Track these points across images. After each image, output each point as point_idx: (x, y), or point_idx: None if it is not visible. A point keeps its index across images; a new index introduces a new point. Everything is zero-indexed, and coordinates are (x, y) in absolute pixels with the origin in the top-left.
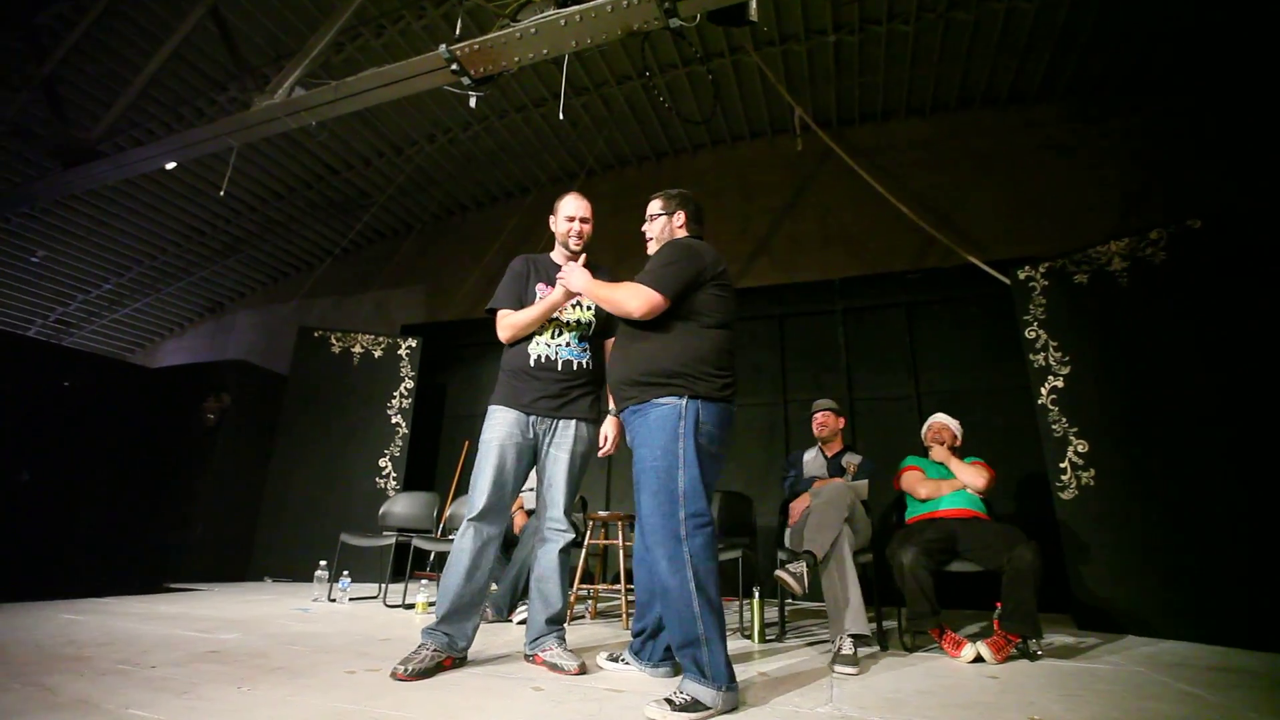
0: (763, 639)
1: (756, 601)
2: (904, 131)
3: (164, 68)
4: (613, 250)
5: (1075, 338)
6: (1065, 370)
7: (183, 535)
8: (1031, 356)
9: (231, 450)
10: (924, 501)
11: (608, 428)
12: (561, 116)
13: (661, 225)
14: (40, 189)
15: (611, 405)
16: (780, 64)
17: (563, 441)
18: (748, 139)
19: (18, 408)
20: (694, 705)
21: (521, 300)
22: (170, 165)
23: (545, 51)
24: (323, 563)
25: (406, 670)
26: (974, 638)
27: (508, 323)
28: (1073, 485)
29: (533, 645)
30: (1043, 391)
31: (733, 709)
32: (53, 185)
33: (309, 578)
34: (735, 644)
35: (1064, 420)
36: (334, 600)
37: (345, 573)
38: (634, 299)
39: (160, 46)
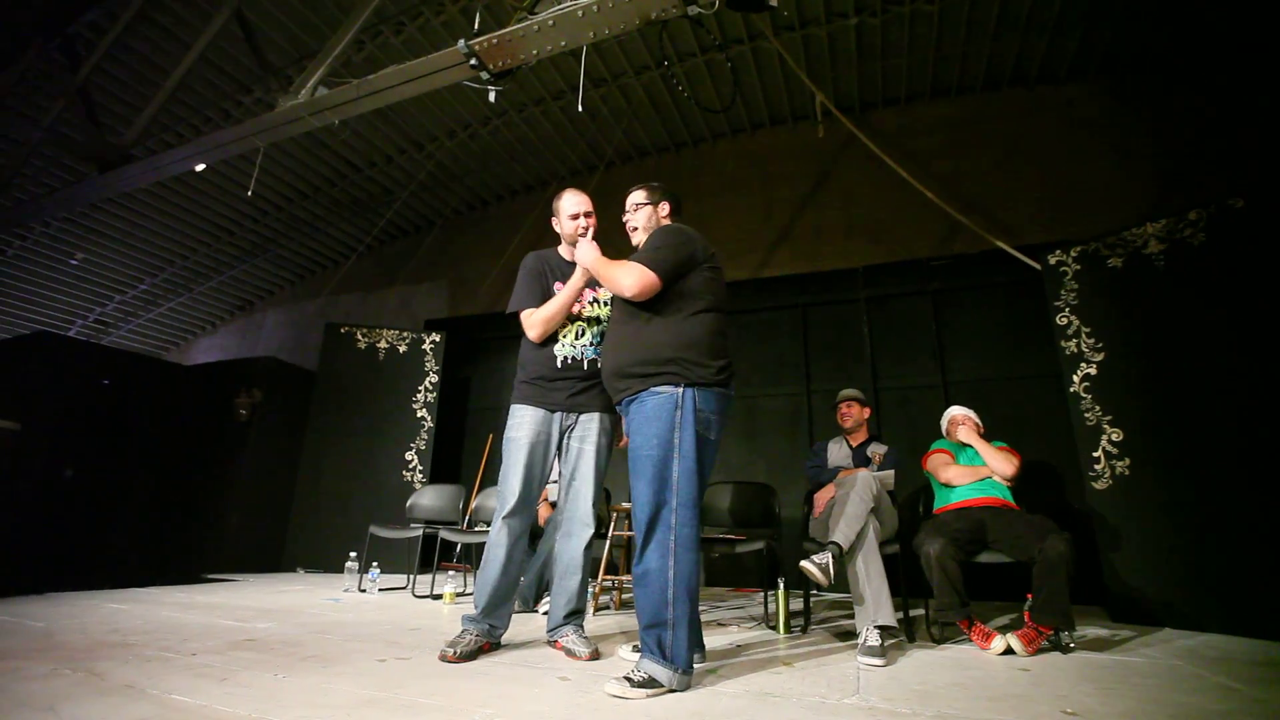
0: (788, 630)
1: (781, 593)
2: (929, 115)
3: (191, 71)
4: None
5: (1109, 324)
6: (1099, 357)
7: (219, 528)
8: (1063, 343)
9: (264, 445)
10: (949, 488)
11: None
12: (580, 109)
13: (647, 214)
14: (78, 193)
15: None
16: (800, 49)
17: (587, 435)
18: (768, 127)
19: (61, 405)
20: (651, 683)
21: (547, 297)
22: (200, 167)
23: (563, 43)
24: (353, 554)
25: (455, 652)
26: (1004, 630)
27: (537, 319)
28: (1106, 475)
29: (552, 633)
30: (1075, 379)
31: (685, 689)
32: (89, 189)
33: (340, 569)
34: (760, 635)
35: (1097, 408)
36: (364, 591)
37: (375, 564)
38: (628, 277)
39: (187, 51)
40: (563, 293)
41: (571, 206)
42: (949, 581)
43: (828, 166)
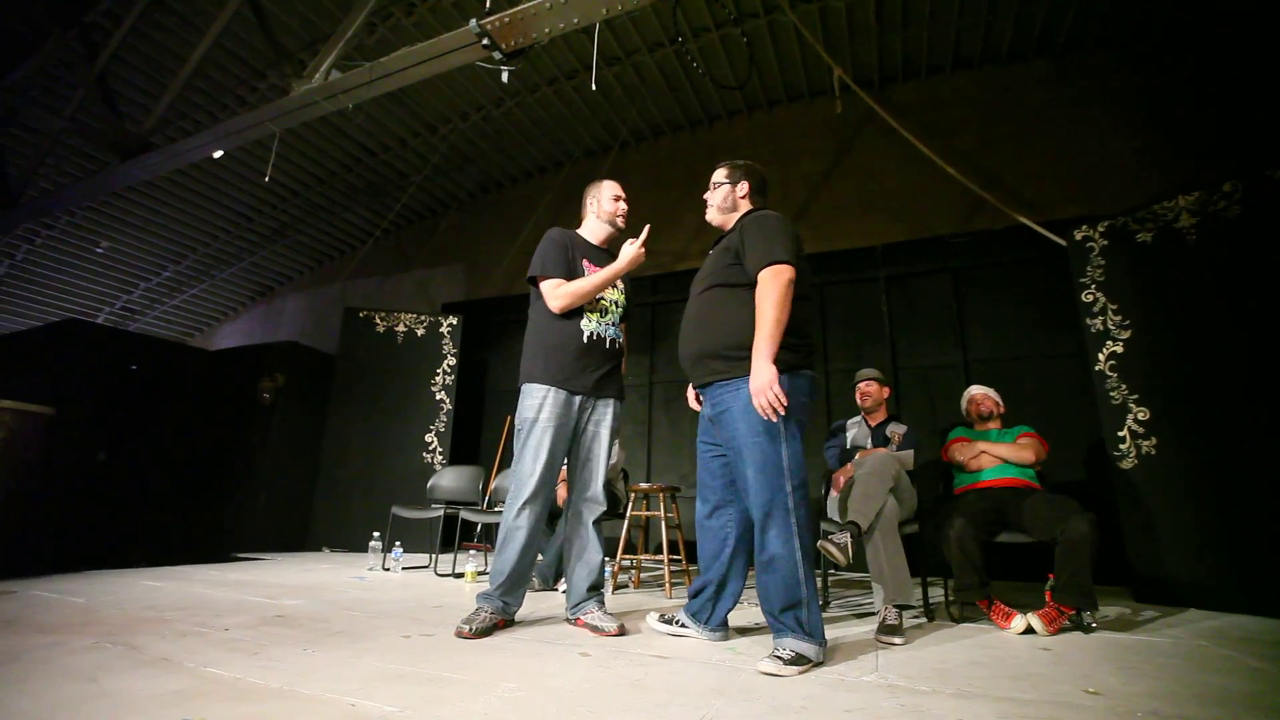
0: None
1: None
2: (951, 87)
3: (206, 58)
4: (645, 225)
5: (1137, 300)
6: (1125, 335)
7: (247, 508)
8: (1089, 321)
9: (287, 427)
10: (972, 472)
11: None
12: (594, 87)
13: (725, 194)
14: (100, 182)
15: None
16: (817, 22)
17: (603, 419)
18: (784, 103)
19: (92, 390)
20: (800, 659)
21: (572, 272)
22: (217, 154)
23: (576, 20)
24: (376, 534)
25: (471, 629)
26: (1025, 609)
27: (565, 291)
28: (1132, 454)
29: (574, 610)
30: (1100, 357)
31: (824, 661)
32: (111, 178)
33: (364, 548)
34: None
35: (1123, 387)
36: (388, 569)
37: (397, 543)
38: (780, 281)
39: (202, 37)
40: (603, 273)
41: (614, 189)
42: (968, 561)
43: (845, 143)
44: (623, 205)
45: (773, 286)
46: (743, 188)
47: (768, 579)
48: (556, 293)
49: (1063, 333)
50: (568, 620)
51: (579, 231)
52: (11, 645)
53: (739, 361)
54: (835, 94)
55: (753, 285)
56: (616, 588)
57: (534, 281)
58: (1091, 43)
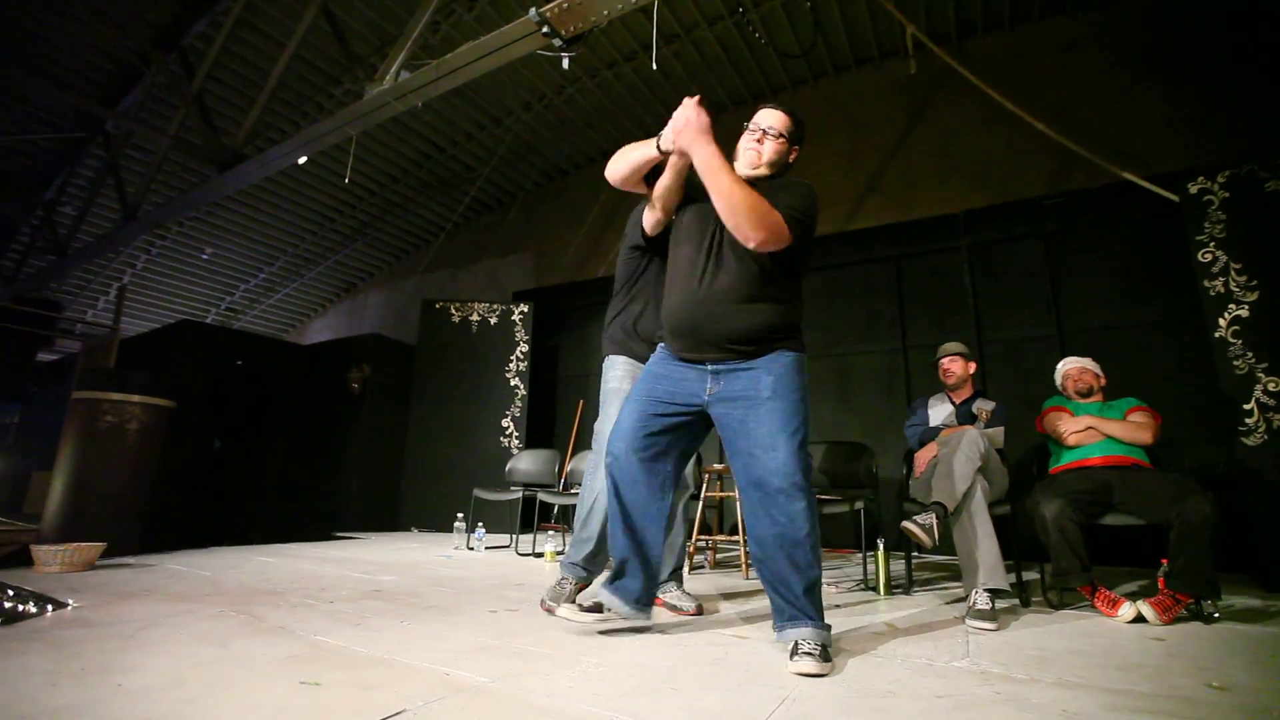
0: (889, 592)
1: (881, 554)
2: (1039, 36)
3: (288, 70)
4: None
5: (1265, 258)
6: (1251, 297)
7: (342, 491)
8: (1207, 283)
9: (375, 415)
10: (1071, 449)
11: None
12: (654, 67)
13: (782, 148)
14: (203, 193)
15: None
16: None
17: None
18: (853, 68)
19: (205, 384)
20: (826, 653)
21: None
22: (302, 160)
23: (634, 0)
24: (460, 515)
25: (557, 602)
26: (1133, 597)
27: (651, 200)
28: (1261, 429)
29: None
30: (1221, 323)
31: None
32: (212, 189)
33: (449, 528)
34: (859, 596)
35: (1249, 355)
36: (472, 549)
37: (480, 524)
38: (761, 223)
39: (282, 51)
40: (667, 173)
41: None
42: (1068, 544)
43: (920, 106)
44: None
45: (758, 213)
46: (795, 153)
47: (794, 555)
48: (648, 215)
49: (1170, 296)
50: None
51: None
52: (153, 612)
53: (773, 341)
54: (908, 53)
55: (786, 265)
56: (693, 568)
57: (642, 235)
58: None
